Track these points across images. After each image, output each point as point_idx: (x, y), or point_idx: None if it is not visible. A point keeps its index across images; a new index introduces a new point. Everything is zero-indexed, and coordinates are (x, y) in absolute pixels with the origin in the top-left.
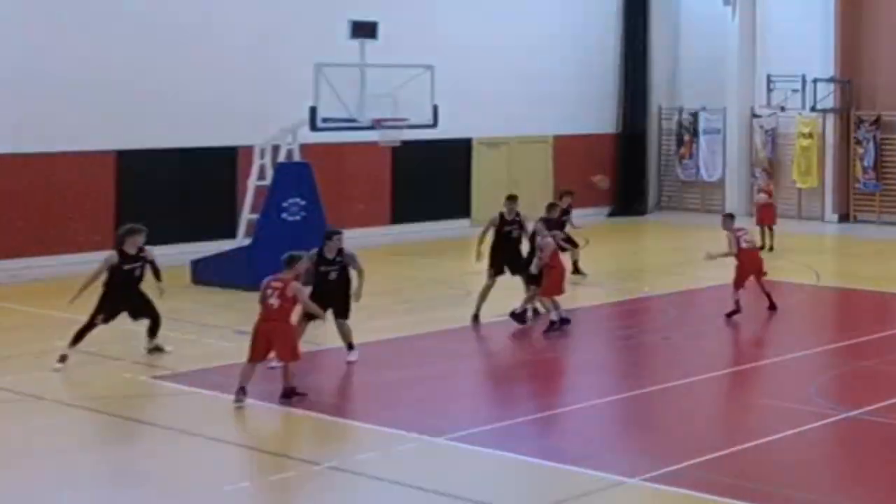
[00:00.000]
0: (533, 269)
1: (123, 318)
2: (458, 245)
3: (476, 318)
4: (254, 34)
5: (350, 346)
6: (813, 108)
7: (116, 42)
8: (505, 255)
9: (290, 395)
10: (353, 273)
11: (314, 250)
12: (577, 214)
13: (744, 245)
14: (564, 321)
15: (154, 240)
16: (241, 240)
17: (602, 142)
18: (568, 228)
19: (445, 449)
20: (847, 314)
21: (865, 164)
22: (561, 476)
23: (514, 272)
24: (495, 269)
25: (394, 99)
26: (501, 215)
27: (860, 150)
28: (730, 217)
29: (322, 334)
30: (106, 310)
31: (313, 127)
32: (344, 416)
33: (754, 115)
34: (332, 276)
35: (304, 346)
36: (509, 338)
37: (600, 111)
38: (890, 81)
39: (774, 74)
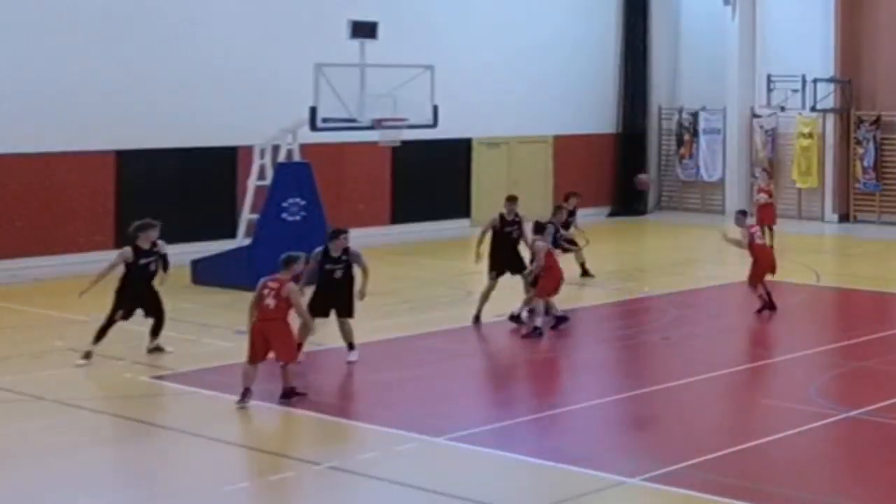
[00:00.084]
0: (529, 276)
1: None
2: (458, 245)
3: (477, 318)
4: (254, 34)
5: (351, 346)
6: (813, 108)
7: (116, 42)
8: (505, 256)
9: (290, 396)
10: (357, 271)
11: (319, 249)
12: (577, 214)
13: (758, 241)
14: (562, 319)
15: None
16: (241, 240)
17: (602, 142)
18: (571, 230)
19: (445, 449)
20: (847, 314)
21: (865, 164)
22: (561, 476)
23: (514, 272)
24: (496, 271)
25: (394, 99)
26: (501, 216)
27: (860, 150)
28: (742, 213)
29: (322, 334)
30: (124, 305)
31: (313, 127)
32: (344, 416)
33: (754, 115)
34: (338, 274)
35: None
36: (509, 338)
37: (600, 111)
38: (890, 81)
39: (774, 74)
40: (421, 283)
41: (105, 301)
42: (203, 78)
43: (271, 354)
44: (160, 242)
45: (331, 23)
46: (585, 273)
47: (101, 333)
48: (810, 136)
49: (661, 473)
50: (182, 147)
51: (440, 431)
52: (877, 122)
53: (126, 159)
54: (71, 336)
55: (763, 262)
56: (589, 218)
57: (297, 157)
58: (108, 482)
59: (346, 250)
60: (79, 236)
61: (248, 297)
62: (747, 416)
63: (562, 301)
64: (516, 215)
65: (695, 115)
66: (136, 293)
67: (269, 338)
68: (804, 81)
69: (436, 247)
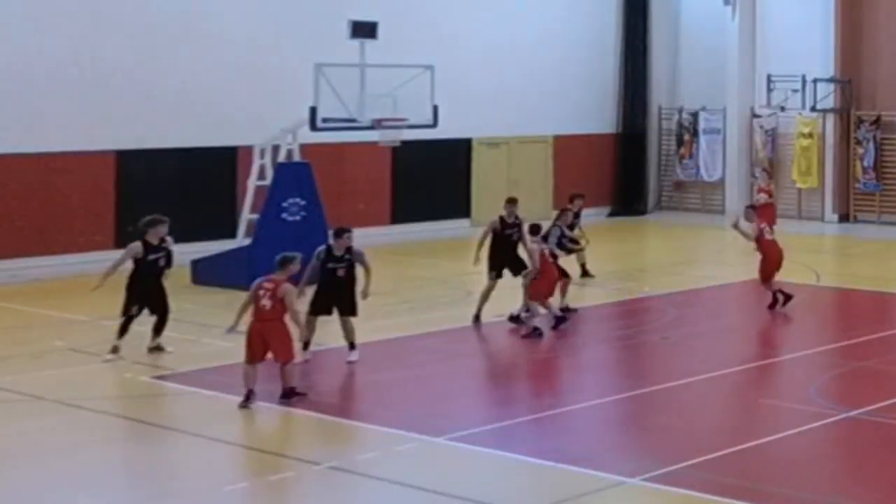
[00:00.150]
0: (525, 280)
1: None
2: (458, 245)
3: (477, 318)
4: (254, 34)
5: (352, 346)
6: (813, 108)
7: (116, 42)
8: (504, 258)
9: (289, 396)
10: (360, 271)
11: (322, 247)
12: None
13: (767, 237)
14: (561, 319)
15: None
16: (241, 240)
17: (602, 142)
18: (575, 231)
19: (445, 449)
20: (847, 314)
21: (865, 164)
22: (561, 476)
23: (514, 273)
24: (496, 272)
25: (394, 99)
26: (501, 219)
27: (860, 150)
28: (752, 208)
29: (322, 334)
30: (138, 299)
31: (313, 127)
32: (344, 416)
33: (754, 115)
34: (340, 272)
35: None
36: (509, 338)
37: (600, 111)
38: (890, 81)
39: (774, 74)
40: (421, 283)
41: (105, 301)
42: (203, 78)
43: (269, 355)
44: (168, 238)
45: (331, 23)
46: (585, 273)
47: (123, 329)
48: (810, 136)
49: (661, 473)
50: (182, 147)
51: (440, 431)
52: (877, 122)
53: (126, 159)
54: (71, 336)
55: (772, 257)
56: (589, 218)
57: (297, 157)
58: (108, 482)
59: (349, 249)
60: (79, 236)
61: None
62: (747, 416)
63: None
64: (516, 218)
65: (695, 115)
66: (144, 289)
67: (266, 338)
68: (804, 81)
69: (436, 247)
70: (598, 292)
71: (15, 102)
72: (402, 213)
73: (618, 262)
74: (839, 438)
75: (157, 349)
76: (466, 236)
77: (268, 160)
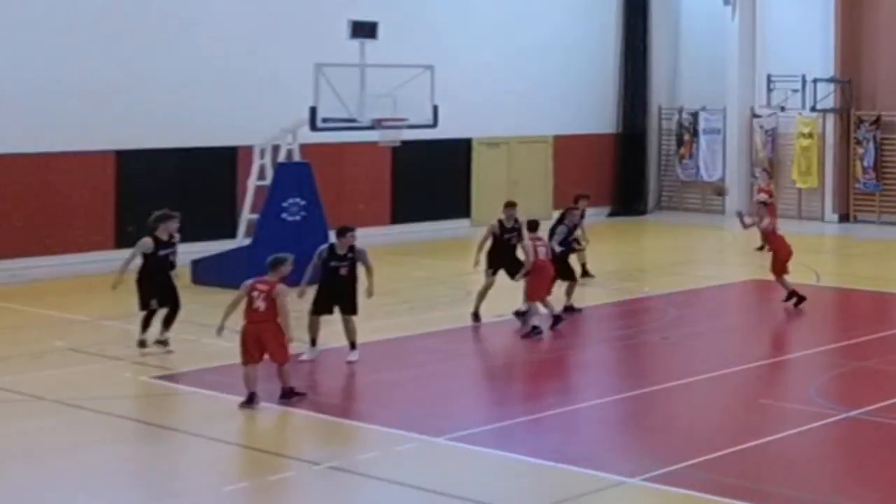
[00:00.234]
0: (521, 275)
1: (127, 318)
2: (458, 245)
3: (476, 315)
4: (254, 34)
5: (353, 346)
6: (813, 108)
7: (116, 42)
8: (503, 261)
9: (289, 396)
10: (362, 270)
11: (324, 246)
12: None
13: (778, 232)
14: (557, 319)
15: None
16: (241, 240)
17: (602, 142)
18: (578, 231)
19: (445, 449)
20: (847, 314)
21: (865, 164)
22: (561, 476)
23: (511, 276)
24: (493, 269)
25: (394, 99)
26: (500, 223)
27: (860, 150)
28: (763, 205)
29: (323, 333)
30: (153, 293)
31: (313, 127)
32: (344, 416)
33: (754, 115)
34: (343, 271)
35: (301, 347)
36: (509, 338)
37: (600, 111)
38: (890, 81)
39: (774, 74)
40: (421, 283)
41: (105, 301)
42: (203, 78)
43: (266, 356)
44: (176, 235)
45: (331, 23)
46: (585, 273)
47: (145, 324)
48: (810, 136)
49: (661, 473)
50: (182, 147)
51: (440, 431)
52: (877, 122)
53: (126, 159)
54: (71, 336)
55: (783, 252)
56: (589, 218)
57: (297, 157)
58: (108, 482)
59: (352, 248)
60: (79, 236)
61: None
62: (747, 416)
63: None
64: (515, 221)
65: (695, 115)
66: (155, 284)
67: (262, 340)
68: (804, 81)
69: (436, 247)
70: (598, 292)
71: (15, 102)
72: (402, 213)
73: (618, 262)
74: (839, 438)
75: (162, 343)
76: (466, 236)
77: (268, 160)
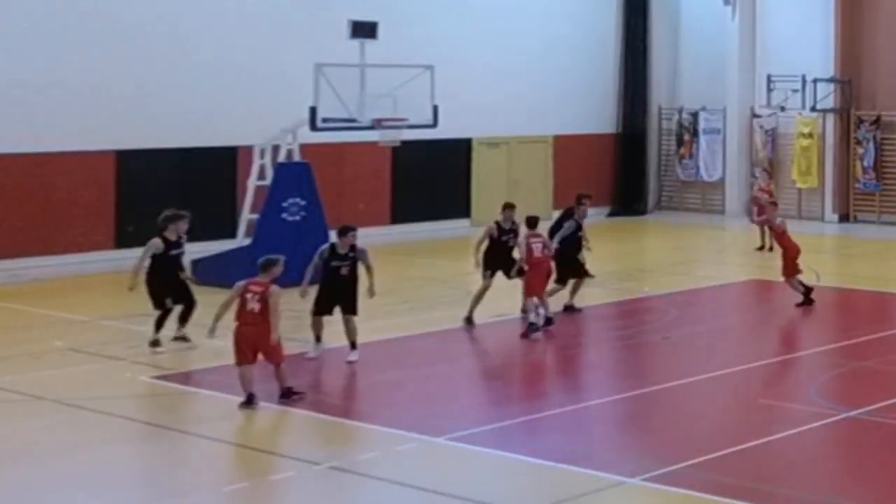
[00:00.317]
0: (513, 274)
1: (127, 318)
2: (458, 245)
3: (469, 320)
4: (254, 34)
5: (353, 345)
6: (813, 108)
7: (116, 42)
8: (499, 263)
9: (288, 395)
10: (362, 270)
11: (325, 246)
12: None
13: (788, 233)
14: (548, 321)
15: None
16: (241, 240)
17: (602, 142)
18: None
19: (445, 449)
20: (847, 314)
21: (865, 164)
22: (561, 476)
23: (507, 276)
24: (490, 271)
25: (394, 99)
26: (498, 224)
27: (860, 150)
28: (773, 205)
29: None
30: (167, 293)
31: (313, 127)
32: (344, 416)
33: (754, 115)
34: (344, 271)
35: (302, 347)
36: (508, 338)
37: (600, 111)
38: (890, 81)
39: (774, 74)
40: (421, 283)
41: (105, 301)
42: (203, 78)
43: (260, 357)
44: (184, 236)
45: (331, 23)
46: (585, 273)
47: (159, 323)
48: (810, 136)
49: (661, 473)
50: (182, 147)
51: (440, 431)
52: (877, 122)
53: (126, 159)
54: (71, 336)
55: (794, 253)
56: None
57: (297, 157)
58: (108, 482)
59: (352, 247)
60: (79, 236)
61: None
62: (747, 416)
63: (563, 300)
64: (513, 223)
65: (695, 115)
66: (167, 283)
67: (256, 342)
68: (804, 81)
69: (436, 247)
70: (598, 292)
71: (15, 102)
72: (402, 213)
73: (618, 262)
74: (839, 438)
75: (182, 339)
76: (466, 236)
77: (268, 160)
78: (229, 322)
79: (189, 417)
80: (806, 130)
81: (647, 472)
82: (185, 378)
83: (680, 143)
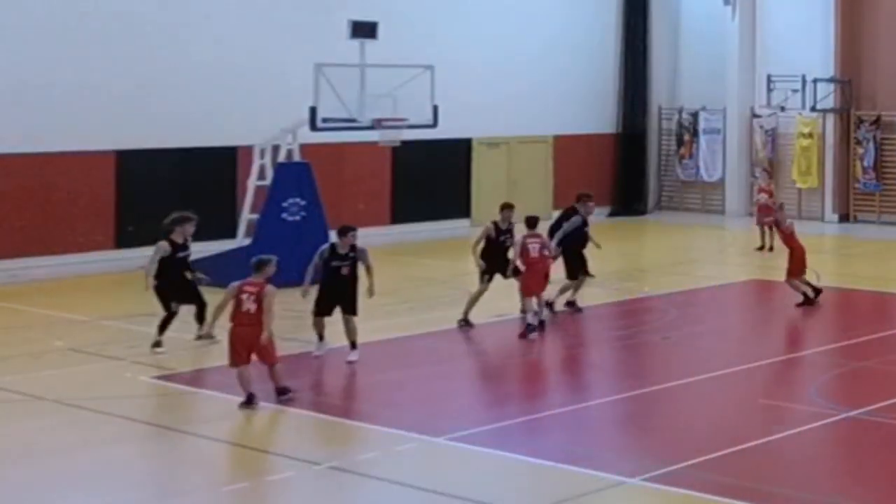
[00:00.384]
0: (508, 274)
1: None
2: (458, 245)
3: (465, 321)
4: (254, 34)
5: (353, 345)
6: (813, 108)
7: (117, 42)
8: (496, 262)
9: (284, 394)
10: (362, 270)
11: (325, 246)
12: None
13: (796, 234)
14: (541, 324)
15: (155, 240)
16: (241, 240)
17: (602, 142)
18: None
19: (445, 449)
20: (847, 314)
21: (865, 164)
22: (561, 476)
23: (506, 277)
24: (488, 275)
25: (394, 99)
26: (495, 224)
27: (860, 150)
28: (781, 207)
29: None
30: (174, 296)
31: (313, 127)
32: (344, 416)
33: (754, 115)
34: (344, 271)
35: (302, 347)
36: (508, 338)
37: (600, 111)
38: (890, 81)
39: (774, 74)
40: (421, 283)
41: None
42: (203, 78)
43: (254, 357)
44: (189, 238)
45: (331, 23)
46: (585, 273)
47: (164, 325)
48: (810, 136)
49: (661, 473)
50: (182, 147)
51: (440, 431)
52: (877, 122)
53: (126, 159)
54: (71, 336)
55: (801, 255)
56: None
57: (297, 157)
58: (108, 482)
59: (353, 247)
60: (79, 236)
61: None
62: (747, 416)
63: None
64: (510, 224)
65: (695, 115)
66: (175, 286)
67: (250, 342)
68: (804, 81)
69: (436, 247)
70: (598, 292)
71: (15, 102)
72: (402, 213)
73: (618, 262)
74: (839, 438)
75: (206, 336)
76: (466, 236)
77: (268, 160)
78: (224, 322)
79: (189, 417)
80: (806, 130)
81: (647, 472)
82: (186, 378)
83: (680, 143)
